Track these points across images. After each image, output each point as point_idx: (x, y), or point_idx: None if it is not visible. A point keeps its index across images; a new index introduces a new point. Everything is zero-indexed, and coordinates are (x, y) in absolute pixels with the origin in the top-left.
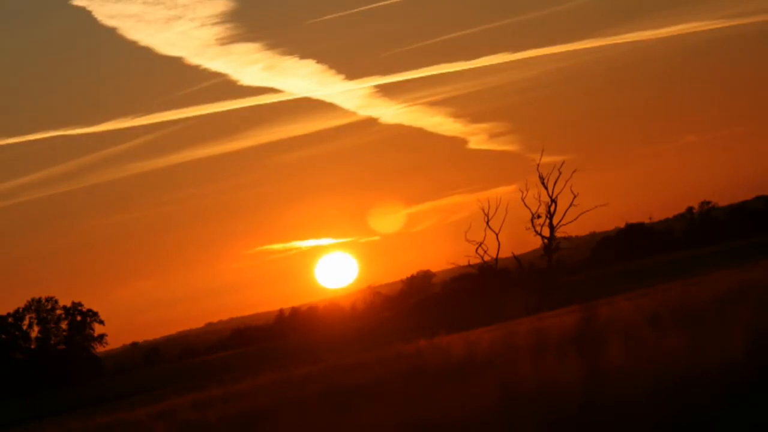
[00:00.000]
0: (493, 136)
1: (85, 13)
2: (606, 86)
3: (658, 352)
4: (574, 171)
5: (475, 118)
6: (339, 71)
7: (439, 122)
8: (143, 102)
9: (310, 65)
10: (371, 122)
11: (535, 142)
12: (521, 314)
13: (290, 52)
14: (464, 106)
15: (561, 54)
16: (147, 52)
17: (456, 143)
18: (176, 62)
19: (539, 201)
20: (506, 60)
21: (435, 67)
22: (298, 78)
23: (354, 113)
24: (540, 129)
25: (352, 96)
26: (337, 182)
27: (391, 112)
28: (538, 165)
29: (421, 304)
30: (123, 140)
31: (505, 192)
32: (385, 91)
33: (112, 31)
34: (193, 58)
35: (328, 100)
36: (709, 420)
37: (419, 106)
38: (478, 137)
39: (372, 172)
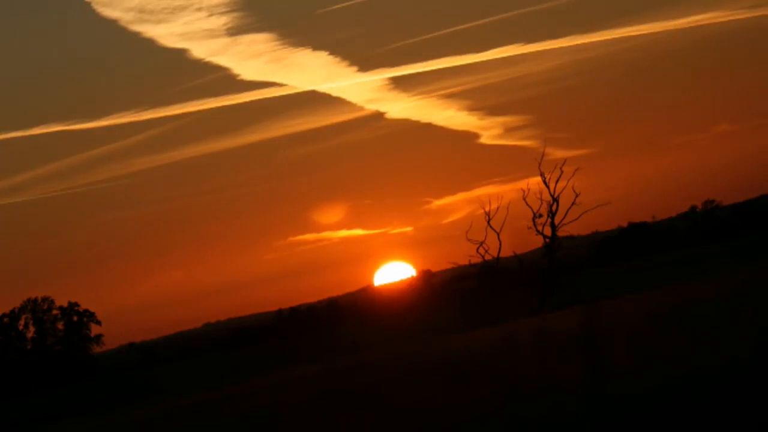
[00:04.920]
0: (509, 129)
1: (84, 5)
2: (623, 80)
3: (660, 352)
4: (577, 169)
5: (492, 111)
6: (352, 63)
7: (451, 116)
8: (146, 96)
9: (322, 57)
10: (377, 117)
11: (550, 135)
12: (523, 314)
13: (303, 43)
14: (481, 99)
15: (581, 45)
16: (150, 45)
17: (467, 138)
18: (181, 54)
19: (541, 200)
20: (526, 51)
21: (451, 58)
22: (309, 70)
23: (361, 107)
24: (556, 123)
25: (363, 89)
26: (339, 180)
27: (401, 106)
28: (539, 163)
29: (422, 304)
30: (125, 136)
31: (522, 187)
32: (398, 83)
33: (113, 23)
34: (199, 51)
35: (335, 93)
36: (711, 420)
37: (433, 99)
38: (492, 132)
39: (378, 168)
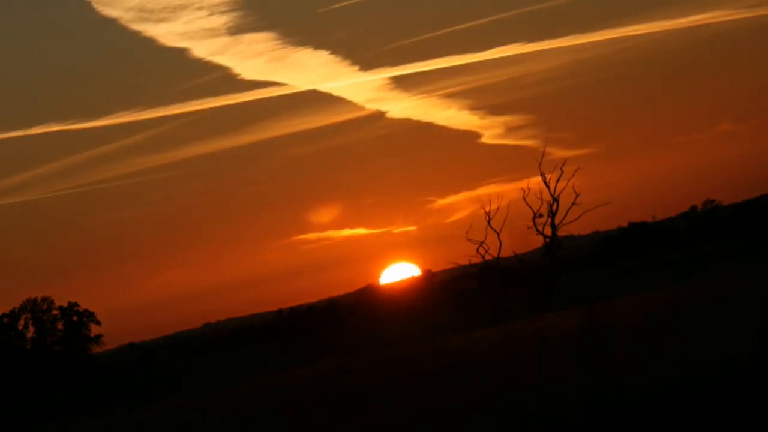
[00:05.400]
0: (510, 129)
1: (84, 4)
2: (624, 80)
3: (660, 351)
4: (577, 169)
5: (493, 111)
6: (353, 62)
7: (452, 115)
8: (146, 96)
9: (323, 56)
10: (378, 117)
11: (551, 135)
12: (523, 314)
13: (304, 42)
14: (482, 98)
15: (582, 45)
16: (150, 44)
17: (468, 137)
18: (181, 54)
19: (541, 200)
20: (527, 51)
21: (452, 58)
22: (310, 69)
23: (362, 107)
24: (557, 123)
25: (364, 89)
26: (341, 180)
27: (402, 106)
28: (539, 163)
29: (422, 304)
30: (125, 135)
31: (525, 186)
32: (399, 82)
33: (113, 22)
34: (199, 50)
35: (336, 93)
36: (711, 419)
37: (434, 99)
38: (493, 131)
39: (380, 167)
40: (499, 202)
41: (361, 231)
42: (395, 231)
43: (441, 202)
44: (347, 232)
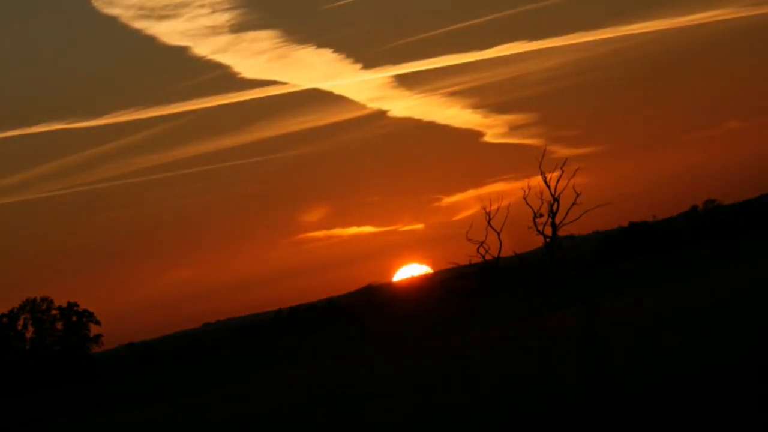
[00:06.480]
0: (513, 128)
1: (85, 3)
2: (628, 78)
3: (660, 351)
4: (577, 169)
5: (496, 109)
6: (356, 60)
7: (454, 114)
8: (147, 95)
9: (326, 54)
10: (380, 116)
11: (555, 134)
12: (523, 314)
13: (306, 41)
14: (485, 97)
15: (585, 43)
16: (151, 42)
17: (471, 136)
18: (182, 52)
19: (542, 200)
20: (530, 49)
21: (455, 56)
22: (312, 68)
23: (363, 106)
24: (561, 121)
25: (366, 87)
26: (345, 179)
27: (404, 104)
28: (540, 163)
29: (423, 304)
30: (126, 134)
31: (529, 185)
32: (402, 80)
33: (114, 20)
34: (201, 48)
35: (338, 92)
36: (712, 419)
37: (436, 97)
38: (496, 130)
39: (384, 166)
40: (499, 202)
41: (368, 229)
42: (402, 229)
43: (448, 200)
44: (354, 230)
